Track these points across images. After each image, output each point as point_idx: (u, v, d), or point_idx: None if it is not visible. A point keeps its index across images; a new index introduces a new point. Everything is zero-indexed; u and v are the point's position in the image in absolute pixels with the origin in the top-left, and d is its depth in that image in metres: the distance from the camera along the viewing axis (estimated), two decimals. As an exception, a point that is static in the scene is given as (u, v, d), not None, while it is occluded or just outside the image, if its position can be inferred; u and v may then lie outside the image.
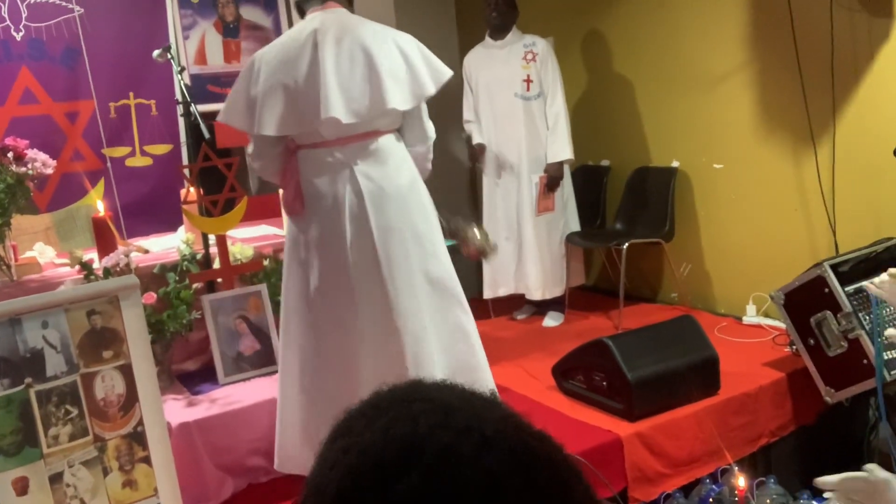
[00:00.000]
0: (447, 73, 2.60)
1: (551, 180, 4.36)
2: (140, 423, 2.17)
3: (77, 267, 2.99)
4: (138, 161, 4.72)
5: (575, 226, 4.60)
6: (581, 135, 4.43)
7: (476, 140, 4.50)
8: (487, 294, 4.58)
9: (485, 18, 4.48)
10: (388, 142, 2.54)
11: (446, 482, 0.59)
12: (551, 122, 4.37)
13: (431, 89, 2.54)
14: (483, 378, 2.68)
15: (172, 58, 3.30)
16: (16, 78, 4.37)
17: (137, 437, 2.17)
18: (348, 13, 2.60)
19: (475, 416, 0.64)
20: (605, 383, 3.26)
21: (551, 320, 4.50)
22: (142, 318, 2.15)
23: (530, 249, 4.42)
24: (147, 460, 2.19)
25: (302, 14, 2.64)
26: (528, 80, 4.34)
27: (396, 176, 2.52)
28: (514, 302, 4.71)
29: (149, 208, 4.56)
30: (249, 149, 2.61)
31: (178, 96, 3.19)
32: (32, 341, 2.01)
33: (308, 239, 2.51)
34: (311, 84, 2.41)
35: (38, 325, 2.01)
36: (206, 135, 3.12)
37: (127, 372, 2.14)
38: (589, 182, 4.84)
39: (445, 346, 2.58)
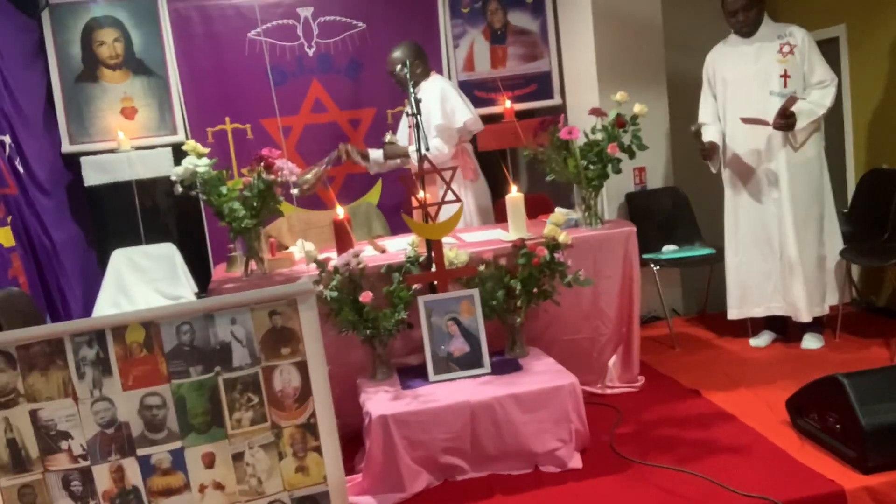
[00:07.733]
0: None
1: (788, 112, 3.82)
2: (313, 415, 2.39)
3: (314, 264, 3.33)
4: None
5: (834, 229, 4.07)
6: (873, 134, 3.85)
7: (707, 137, 4.12)
8: (732, 315, 4.21)
9: (729, 24, 4.08)
10: None
11: None
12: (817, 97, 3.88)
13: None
14: None
15: (407, 74, 3.53)
16: (308, 90, 4.95)
17: (310, 428, 2.39)
18: None
19: None
20: (838, 426, 2.87)
21: (812, 342, 4.03)
22: (316, 321, 2.35)
23: (794, 265, 3.97)
24: (318, 450, 2.40)
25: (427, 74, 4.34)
26: (786, 76, 3.90)
27: None
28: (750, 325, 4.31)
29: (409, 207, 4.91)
30: None
31: (410, 108, 3.41)
32: (222, 335, 2.31)
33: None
34: None
35: (227, 321, 2.31)
36: (427, 146, 3.29)
37: (302, 368, 2.37)
38: (878, 188, 4.23)
39: None
